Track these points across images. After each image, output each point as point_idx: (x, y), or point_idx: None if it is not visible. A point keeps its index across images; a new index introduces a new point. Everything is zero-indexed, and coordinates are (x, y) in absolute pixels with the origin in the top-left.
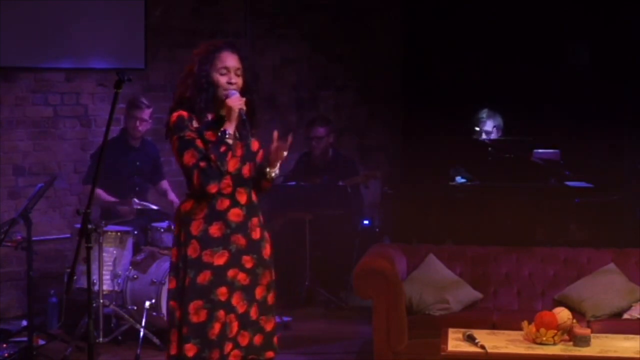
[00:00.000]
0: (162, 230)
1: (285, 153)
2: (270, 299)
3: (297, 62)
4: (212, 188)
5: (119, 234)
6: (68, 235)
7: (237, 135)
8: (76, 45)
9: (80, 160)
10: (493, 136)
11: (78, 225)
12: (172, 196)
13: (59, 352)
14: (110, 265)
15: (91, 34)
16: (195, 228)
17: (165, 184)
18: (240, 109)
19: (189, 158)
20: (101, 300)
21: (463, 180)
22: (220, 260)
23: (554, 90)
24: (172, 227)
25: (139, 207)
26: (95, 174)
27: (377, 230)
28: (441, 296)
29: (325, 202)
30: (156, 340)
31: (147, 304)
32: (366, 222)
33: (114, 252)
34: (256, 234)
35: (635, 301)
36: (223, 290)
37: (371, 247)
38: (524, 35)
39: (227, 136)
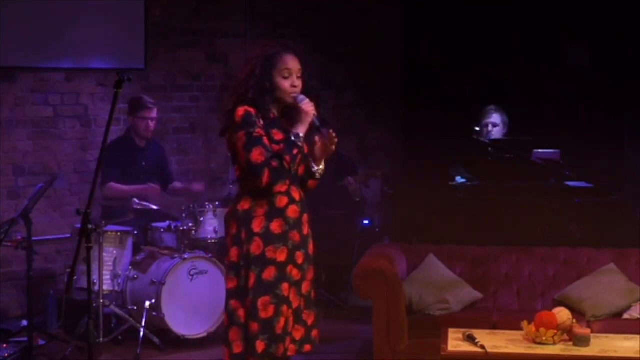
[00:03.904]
0: (162, 230)
1: (333, 147)
2: (313, 294)
3: None
4: (279, 187)
5: (119, 234)
6: (68, 235)
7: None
8: (76, 45)
9: (80, 160)
10: (500, 130)
11: (78, 225)
12: (195, 186)
13: (59, 352)
14: (110, 265)
15: (91, 34)
16: (257, 225)
17: (177, 184)
18: (314, 115)
19: (257, 155)
20: (101, 300)
21: (463, 180)
22: (282, 256)
23: (554, 90)
24: (172, 227)
25: (138, 207)
26: (95, 175)
27: (377, 230)
28: (441, 296)
29: (326, 202)
30: (156, 340)
31: (147, 304)
32: (366, 222)
33: (114, 252)
34: (306, 230)
35: (635, 301)
36: (286, 285)
37: (371, 247)
38: (524, 35)
39: (298, 139)
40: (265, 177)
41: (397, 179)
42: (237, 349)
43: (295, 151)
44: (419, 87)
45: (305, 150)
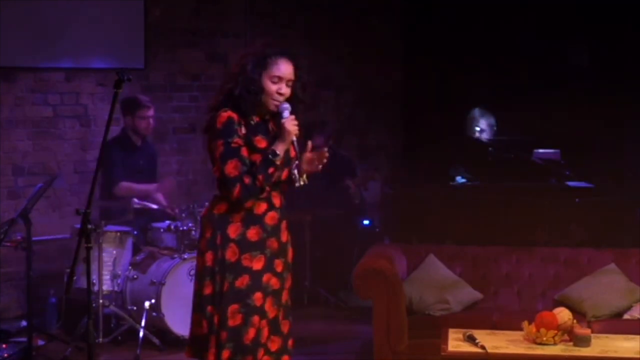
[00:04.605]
0: (162, 230)
1: (319, 166)
2: (290, 302)
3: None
4: (250, 203)
5: (118, 234)
6: (68, 235)
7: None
8: (76, 45)
9: (80, 160)
10: (487, 135)
11: (78, 225)
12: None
13: (59, 352)
14: (110, 266)
15: (91, 34)
16: (234, 231)
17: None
18: (296, 135)
19: (231, 169)
20: (101, 301)
21: (463, 180)
22: (258, 265)
23: (554, 90)
24: (172, 227)
25: (138, 206)
26: (95, 174)
27: (377, 230)
28: (441, 296)
29: (325, 202)
30: (156, 341)
31: (147, 304)
32: (366, 222)
33: (114, 252)
34: (285, 237)
35: (636, 301)
36: (258, 295)
37: (371, 247)
38: (524, 35)
39: (276, 158)
40: (235, 192)
41: (397, 179)
42: (211, 356)
43: (270, 170)
44: (419, 87)
45: (293, 154)
